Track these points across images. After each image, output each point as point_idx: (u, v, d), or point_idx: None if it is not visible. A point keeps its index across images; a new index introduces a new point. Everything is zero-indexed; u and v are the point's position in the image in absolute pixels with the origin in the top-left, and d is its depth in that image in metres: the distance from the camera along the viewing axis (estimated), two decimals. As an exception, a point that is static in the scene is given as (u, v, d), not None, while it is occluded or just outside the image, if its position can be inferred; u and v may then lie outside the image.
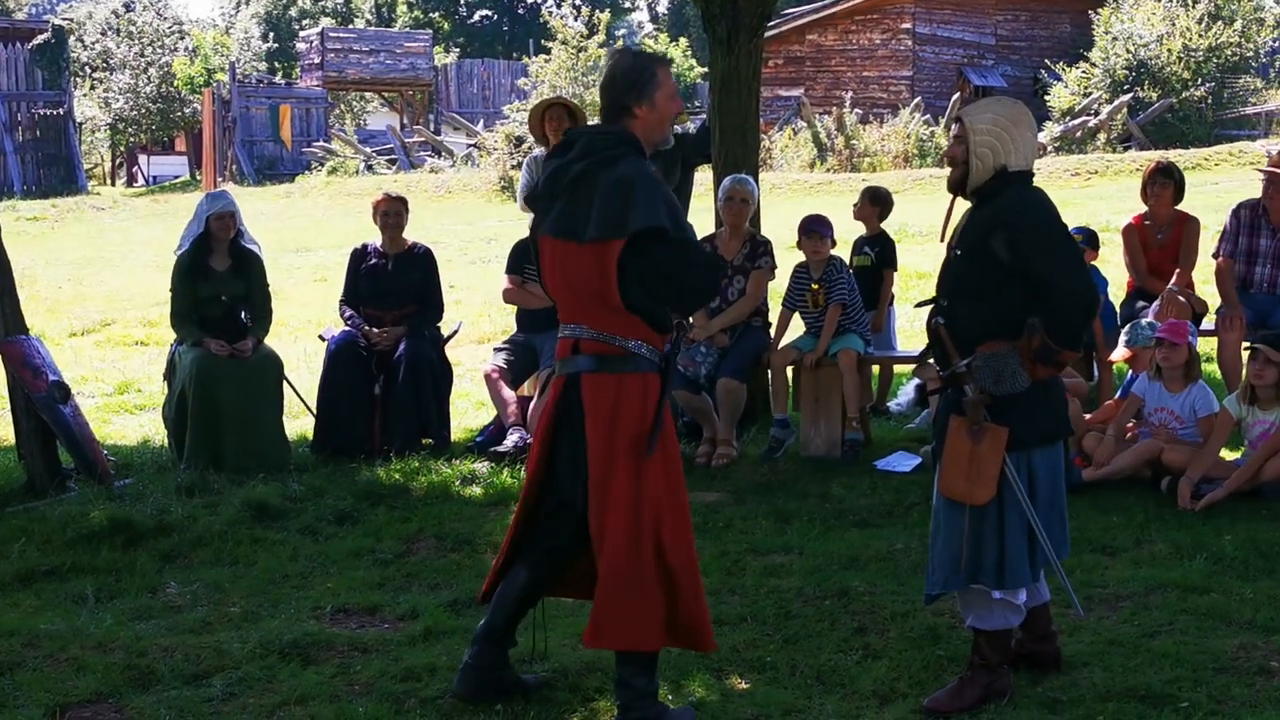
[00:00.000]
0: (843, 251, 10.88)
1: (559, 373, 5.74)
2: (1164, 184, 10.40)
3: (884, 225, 11.23)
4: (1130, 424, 9.02)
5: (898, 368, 11.73)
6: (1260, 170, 10.25)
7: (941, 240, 5.87)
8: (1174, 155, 27.05)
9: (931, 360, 5.82)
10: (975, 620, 5.70)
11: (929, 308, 5.85)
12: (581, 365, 5.61)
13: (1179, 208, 10.50)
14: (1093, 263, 10.41)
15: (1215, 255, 10.31)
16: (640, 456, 5.47)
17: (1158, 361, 8.88)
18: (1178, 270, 10.24)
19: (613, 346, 5.55)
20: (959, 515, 5.56)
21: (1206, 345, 10.65)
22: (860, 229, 11.22)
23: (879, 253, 10.98)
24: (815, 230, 9.99)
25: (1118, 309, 10.47)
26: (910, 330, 13.97)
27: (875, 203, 11.14)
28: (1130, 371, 9.38)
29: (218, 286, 9.99)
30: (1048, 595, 5.93)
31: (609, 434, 5.49)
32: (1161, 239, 10.43)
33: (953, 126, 5.71)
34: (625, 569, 5.44)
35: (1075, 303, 5.48)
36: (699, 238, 10.16)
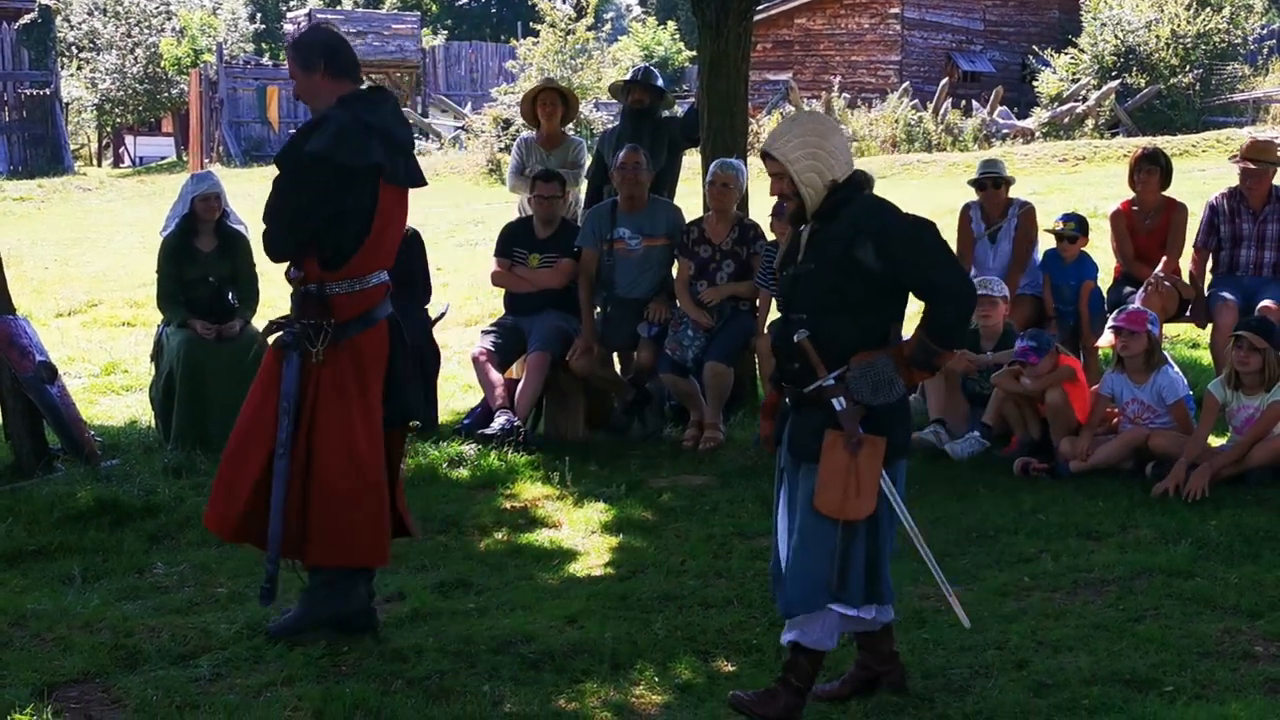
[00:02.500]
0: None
1: (384, 315, 6.32)
2: (1150, 170, 10.42)
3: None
4: (1114, 415, 9.04)
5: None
6: (1236, 162, 10.28)
7: (781, 269, 5.74)
8: (1161, 142, 27.03)
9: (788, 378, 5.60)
10: (798, 635, 5.46)
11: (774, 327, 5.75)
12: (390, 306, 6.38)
13: (1167, 194, 10.53)
14: (1082, 249, 10.42)
15: (1194, 245, 10.37)
16: None
17: (1118, 352, 8.91)
18: (1164, 257, 10.26)
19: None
20: (829, 532, 5.32)
21: (1195, 332, 10.71)
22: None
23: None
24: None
25: (1105, 295, 10.48)
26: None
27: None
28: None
29: (204, 268, 9.98)
30: (892, 615, 5.67)
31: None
32: (1149, 225, 10.46)
33: (766, 163, 5.54)
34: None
35: (958, 300, 5.34)
36: (688, 221, 10.26)
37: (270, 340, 6.32)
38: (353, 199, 6.09)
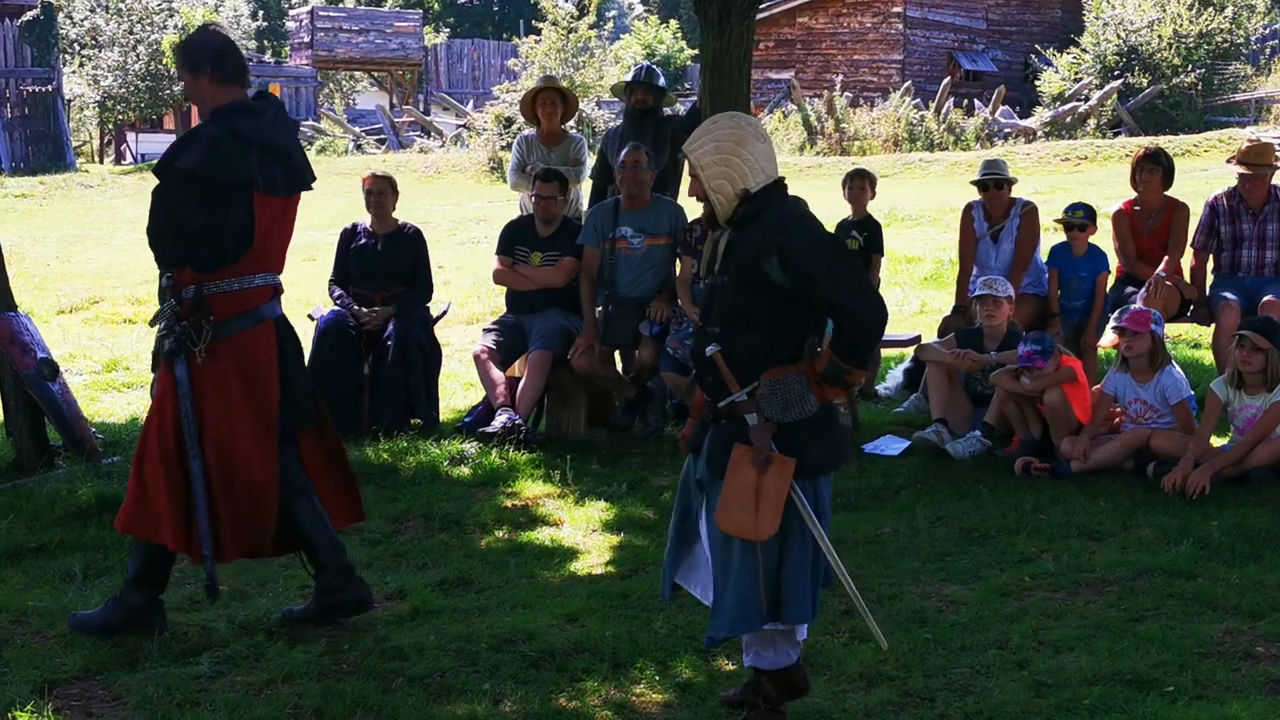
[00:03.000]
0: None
1: (271, 316, 6.33)
2: (1152, 170, 10.42)
3: (869, 208, 11.23)
4: (1117, 414, 9.04)
5: (886, 351, 11.74)
6: (1233, 165, 10.26)
7: (702, 275, 5.65)
8: (1164, 141, 27.10)
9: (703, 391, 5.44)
10: (755, 659, 5.38)
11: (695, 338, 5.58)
12: (280, 309, 6.42)
13: (1169, 194, 10.53)
14: (1091, 240, 10.41)
15: (1193, 245, 10.37)
16: None
17: (1121, 352, 8.90)
18: (1166, 257, 10.26)
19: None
20: (751, 552, 5.18)
21: (1197, 332, 10.71)
22: (844, 211, 11.21)
23: (867, 237, 10.98)
24: None
25: (1107, 294, 10.48)
26: (899, 315, 14.00)
27: (873, 185, 11.17)
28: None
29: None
30: (804, 635, 5.53)
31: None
32: (1151, 225, 10.46)
33: (687, 162, 5.37)
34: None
35: (863, 321, 5.12)
36: (689, 220, 10.25)
37: (162, 349, 6.34)
38: (228, 212, 6.13)
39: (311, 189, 6.53)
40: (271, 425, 6.34)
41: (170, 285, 6.23)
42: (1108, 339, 9.28)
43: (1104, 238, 10.67)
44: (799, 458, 5.14)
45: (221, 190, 6.08)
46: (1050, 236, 11.20)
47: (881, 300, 5.21)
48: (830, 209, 11.06)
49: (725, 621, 5.25)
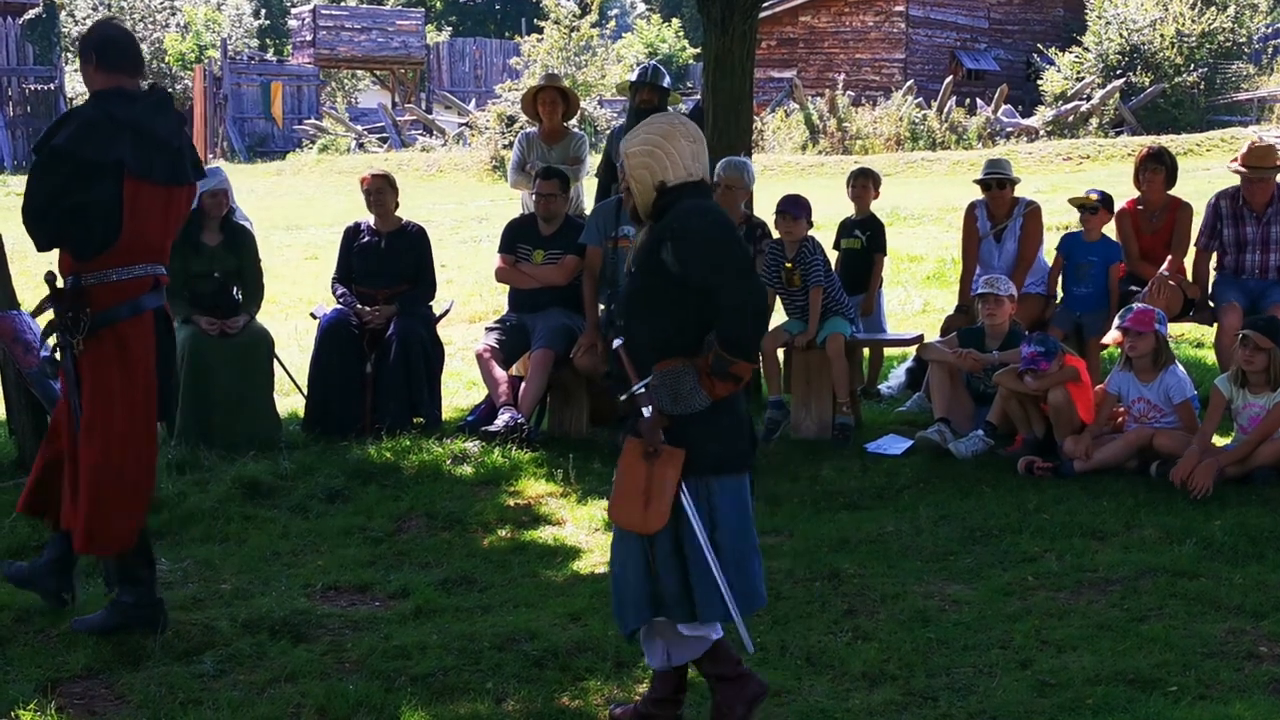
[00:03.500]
0: (829, 233, 10.88)
1: (152, 306, 6.38)
2: (1155, 169, 10.42)
3: (874, 207, 11.23)
4: (1120, 414, 9.03)
5: (888, 350, 11.74)
6: (1235, 170, 10.24)
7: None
8: (1166, 141, 27.08)
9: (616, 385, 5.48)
10: (676, 657, 5.35)
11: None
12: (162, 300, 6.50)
13: (1172, 193, 10.52)
14: (1104, 228, 10.41)
15: (1195, 245, 10.37)
16: None
17: (1125, 352, 8.90)
18: (1169, 256, 10.26)
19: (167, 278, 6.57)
20: (645, 546, 5.19)
21: (1200, 331, 10.70)
22: (847, 210, 11.20)
23: (869, 236, 10.97)
24: (788, 211, 9.94)
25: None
26: (902, 314, 13.99)
27: (877, 185, 11.16)
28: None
29: (209, 262, 9.98)
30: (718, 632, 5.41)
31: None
32: (1154, 224, 10.46)
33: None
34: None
35: (740, 314, 5.08)
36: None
37: (50, 342, 6.45)
38: (94, 193, 6.16)
39: (194, 184, 6.65)
40: (150, 414, 6.46)
41: (50, 276, 6.39)
42: (1111, 336, 9.27)
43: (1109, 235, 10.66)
44: (688, 452, 5.13)
45: (91, 171, 6.14)
46: (1054, 237, 11.19)
47: (762, 292, 5.21)
48: (832, 208, 11.08)
49: (630, 615, 5.27)
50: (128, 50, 6.43)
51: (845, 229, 11.10)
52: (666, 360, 5.16)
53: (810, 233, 10.04)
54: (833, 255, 10.83)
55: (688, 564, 5.17)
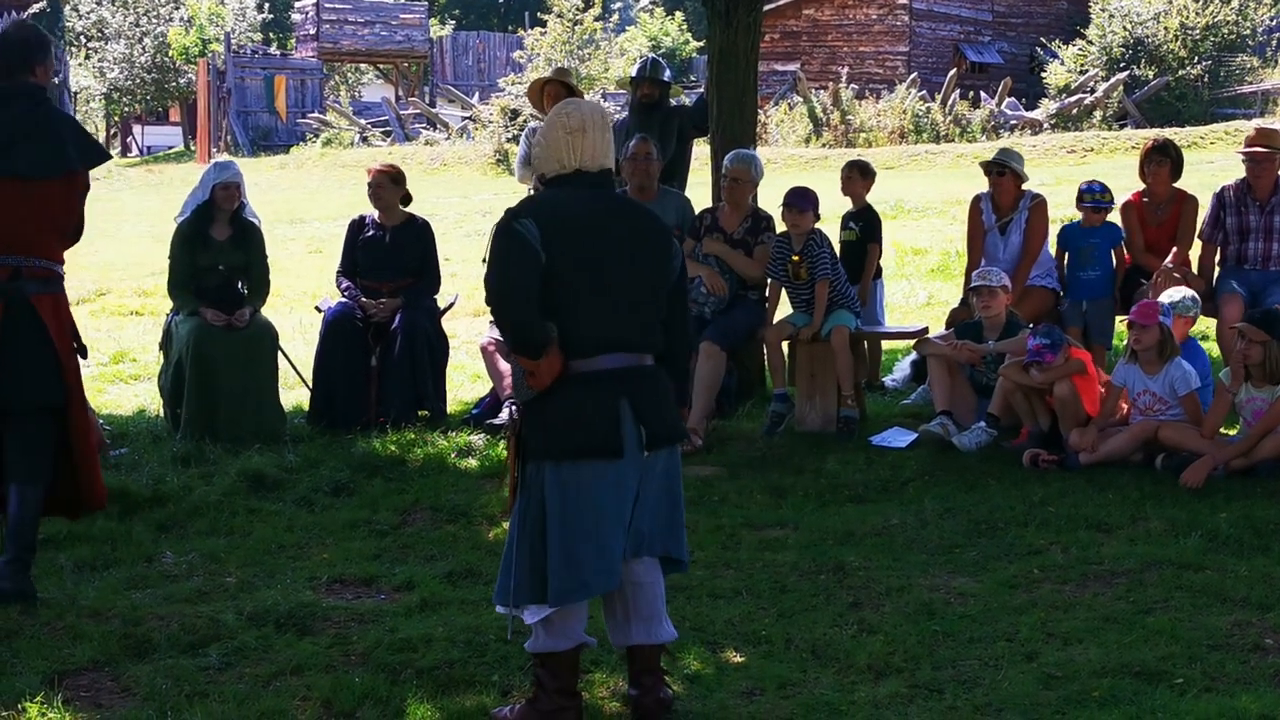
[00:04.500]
0: (832, 226, 10.87)
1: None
2: (1161, 162, 10.41)
3: (874, 200, 11.22)
4: (1124, 408, 9.03)
5: (892, 343, 11.74)
6: (1241, 152, 10.24)
7: None
8: (1170, 133, 27.04)
9: None
10: (529, 644, 5.43)
11: None
12: (31, 289, 6.72)
13: (1178, 186, 10.51)
14: (1108, 219, 10.40)
15: (1199, 237, 10.35)
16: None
17: (1130, 344, 8.89)
18: (1174, 248, 10.24)
19: (54, 271, 6.84)
20: (511, 527, 5.41)
21: (1204, 323, 10.68)
22: (849, 203, 11.20)
23: (863, 227, 10.95)
24: (795, 204, 9.93)
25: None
26: (906, 307, 13.98)
27: (866, 175, 11.13)
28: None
29: (217, 256, 9.98)
30: (652, 637, 5.44)
31: (66, 341, 6.83)
32: (1160, 217, 10.44)
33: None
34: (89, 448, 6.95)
35: (492, 304, 5.31)
36: (701, 209, 10.27)
37: None
38: None
39: (39, 177, 6.75)
40: None
41: None
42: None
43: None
44: (525, 438, 5.30)
45: None
46: (1058, 227, 11.17)
47: (505, 288, 5.22)
48: (835, 201, 11.07)
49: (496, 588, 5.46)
50: (13, 54, 6.76)
51: (843, 222, 11.10)
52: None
53: (817, 226, 10.05)
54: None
55: (513, 549, 5.32)
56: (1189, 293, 9.46)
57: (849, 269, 10.44)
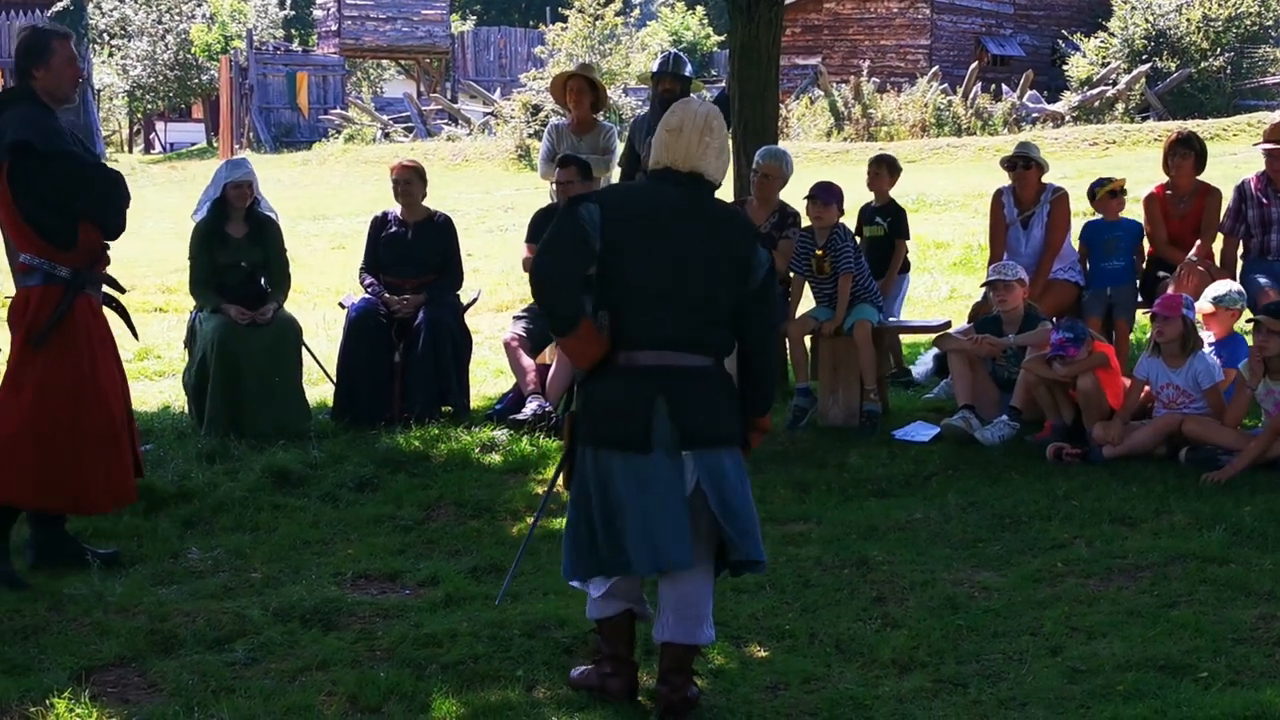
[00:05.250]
0: (849, 220, 10.87)
1: None
2: (1184, 154, 10.38)
3: (896, 194, 11.22)
4: (1150, 400, 9.01)
5: (915, 337, 11.73)
6: (1262, 147, 10.21)
7: None
8: (1192, 125, 26.95)
9: None
10: (587, 612, 5.71)
11: None
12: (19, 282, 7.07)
13: (1201, 179, 10.48)
14: (1120, 213, 10.39)
15: (1222, 229, 10.33)
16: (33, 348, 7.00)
17: (1153, 337, 8.87)
18: (1198, 241, 10.22)
19: (26, 266, 7.11)
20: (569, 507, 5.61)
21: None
22: (869, 196, 11.19)
23: (890, 222, 10.96)
24: (818, 196, 9.94)
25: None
26: (928, 300, 13.98)
27: (894, 171, 11.14)
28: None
29: (235, 253, 10.00)
30: (688, 638, 5.46)
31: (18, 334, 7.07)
32: (1183, 209, 10.41)
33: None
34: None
35: (534, 285, 5.42)
36: (726, 202, 10.24)
37: None
38: None
39: None
40: None
41: None
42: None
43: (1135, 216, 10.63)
44: (574, 420, 5.49)
45: None
46: (1081, 222, 11.14)
47: (544, 264, 5.33)
48: (857, 195, 11.05)
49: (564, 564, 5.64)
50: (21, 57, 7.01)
51: (865, 216, 11.09)
52: None
53: (842, 220, 10.06)
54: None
55: (593, 521, 5.45)
56: (1235, 286, 9.44)
57: (875, 264, 10.44)
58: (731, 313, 5.44)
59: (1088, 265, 10.43)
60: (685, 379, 5.35)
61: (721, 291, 5.39)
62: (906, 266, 11.25)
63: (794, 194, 10.35)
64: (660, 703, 5.47)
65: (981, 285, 10.07)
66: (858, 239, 10.54)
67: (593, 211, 5.31)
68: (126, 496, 7.39)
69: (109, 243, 7.38)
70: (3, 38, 41.74)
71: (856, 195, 10.86)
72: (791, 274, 10.16)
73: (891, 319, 10.81)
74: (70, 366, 7.11)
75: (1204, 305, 9.19)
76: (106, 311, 7.64)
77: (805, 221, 10.14)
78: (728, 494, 5.39)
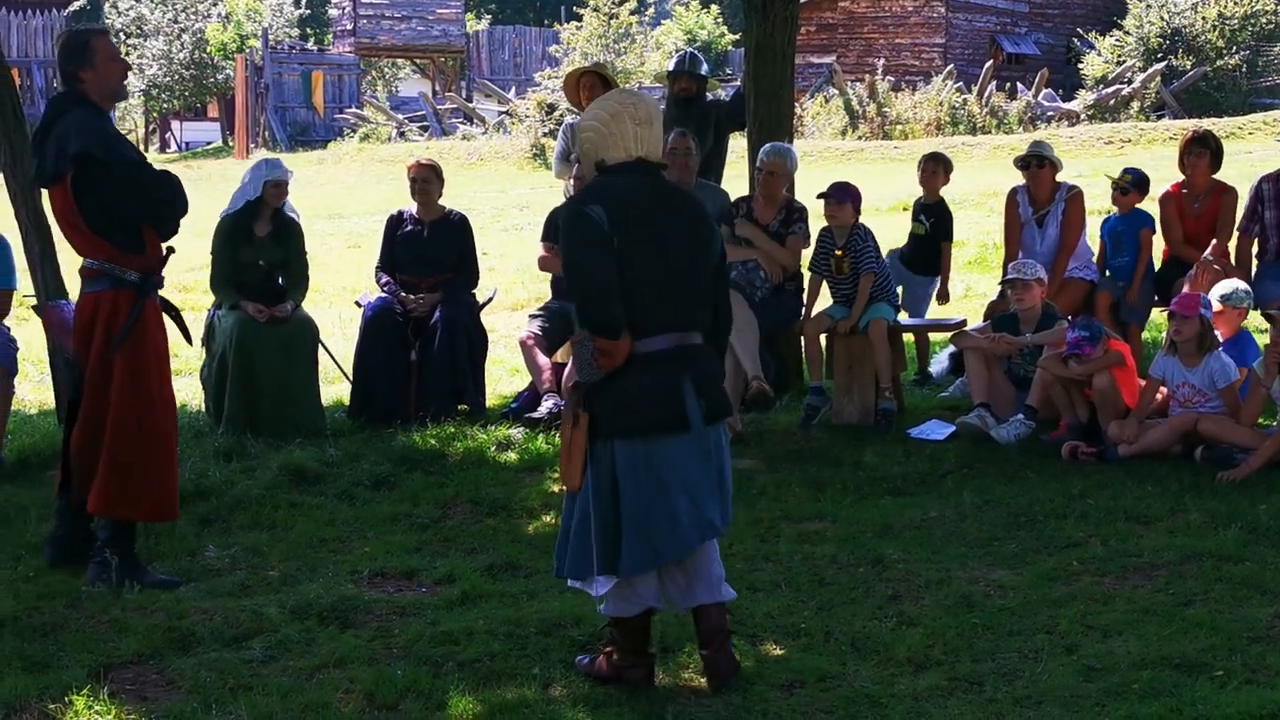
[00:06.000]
0: (874, 218, 10.88)
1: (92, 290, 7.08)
2: (1200, 153, 10.37)
3: (912, 193, 11.25)
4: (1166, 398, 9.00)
5: (932, 335, 11.72)
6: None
7: None
8: (1208, 124, 26.89)
9: None
10: (602, 608, 5.75)
11: None
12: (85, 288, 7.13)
13: (1217, 177, 10.46)
14: (1136, 205, 10.39)
15: (1238, 229, 10.32)
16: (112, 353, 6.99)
17: (1170, 336, 8.87)
18: (1214, 240, 10.21)
19: (90, 270, 7.11)
20: (573, 502, 5.66)
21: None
22: (886, 195, 11.22)
23: (934, 223, 11.01)
24: (832, 195, 9.96)
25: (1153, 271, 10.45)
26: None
27: (948, 170, 11.22)
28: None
29: (258, 252, 10.04)
30: (716, 596, 5.72)
31: (91, 339, 7.09)
32: (1199, 208, 10.39)
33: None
34: (125, 448, 6.97)
35: (578, 297, 5.53)
36: (736, 198, 10.27)
37: None
38: None
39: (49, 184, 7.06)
40: None
41: None
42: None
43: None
44: (594, 417, 5.50)
45: None
46: (1096, 220, 11.14)
47: (586, 272, 5.47)
48: (871, 193, 11.06)
49: (562, 561, 5.71)
50: (65, 61, 7.03)
51: (914, 211, 11.19)
52: (579, 332, 5.53)
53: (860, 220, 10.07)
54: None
55: (605, 519, 5.54)
56: (1242, 285, 9.43)
57: (913, 261, 10.46)
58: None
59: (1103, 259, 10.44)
60: (698, 357, 5.62)
61: (702, 270, 5.65)
62: (948, 269, 11.31)
63: (810, 193, 10.35)
64: (710, 665, 5.67)
65: (1000, 283, 10.07)
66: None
67: (599, 213, 5.45)
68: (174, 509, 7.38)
69: (168, 246, 7.36)
70: (18, 37, 41.88)
71: (869, 194, 10.86)
72: (809, 273, 10.18)
73: (914, 319, 10.84)
74: (144, 371, 7.13)
75: (1211, 304, 9.18)
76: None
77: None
78: (724, 464, 5.68)
